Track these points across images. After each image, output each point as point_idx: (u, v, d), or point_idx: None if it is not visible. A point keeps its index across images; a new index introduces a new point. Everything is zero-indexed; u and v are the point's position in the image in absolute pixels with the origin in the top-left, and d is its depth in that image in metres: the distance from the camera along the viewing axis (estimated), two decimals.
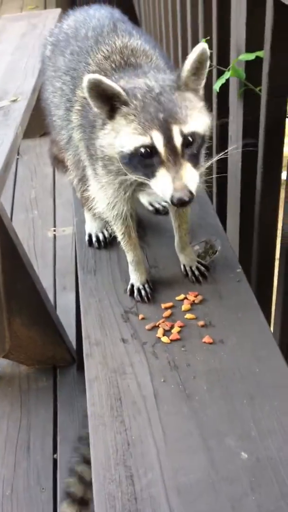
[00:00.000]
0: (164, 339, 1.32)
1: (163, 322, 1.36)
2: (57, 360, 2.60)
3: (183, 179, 1.08)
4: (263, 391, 1.18)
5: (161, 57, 1.38)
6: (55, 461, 2.23)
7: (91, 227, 1.67)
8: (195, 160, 1.13)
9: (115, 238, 1.51)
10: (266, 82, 1.44)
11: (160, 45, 3.09)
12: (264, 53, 1.43)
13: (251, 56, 1.50)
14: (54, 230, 3.55)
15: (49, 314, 2.47)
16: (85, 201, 1.52)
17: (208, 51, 1.15)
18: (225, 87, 1.66)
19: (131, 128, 1.13)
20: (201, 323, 1.34)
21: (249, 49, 1.51)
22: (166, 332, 1.33)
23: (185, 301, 1.41)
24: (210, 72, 1.81)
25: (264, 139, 1.53)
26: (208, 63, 1.17)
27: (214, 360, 1.25)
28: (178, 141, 1.10)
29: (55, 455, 2.25)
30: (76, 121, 1.39)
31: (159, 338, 1.32)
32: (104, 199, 1.36)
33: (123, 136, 1.16)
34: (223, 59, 1.75)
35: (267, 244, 1.70)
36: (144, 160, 1.12)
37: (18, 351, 2.52)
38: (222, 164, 1.93)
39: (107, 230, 1.63)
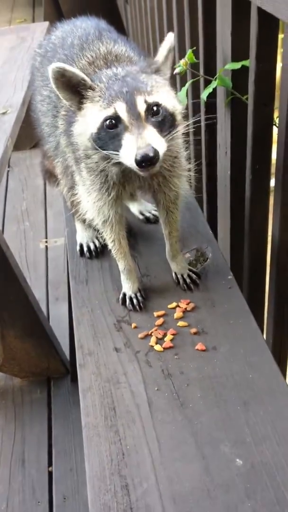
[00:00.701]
0: (157, 347, 1.32)
1: (155, 330, 1.36)
2: (51, 372, 2.59)
3: (146, 138, 1.07)
4: (256, 396, 1.18)
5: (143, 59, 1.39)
6: (50, 474, 2.21)
7: (82, 237, 1.67)
8: (161, 129, 1.12)
9: (106, 247, 1.51)
10: (252, 90, 1.46)
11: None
12: (250, 62, 1.45)
13: (237, 65, 1.51)
14: (46, 241, 3.55)
15: (42, 326, 2.46)
16: (75, 209, 1.53)
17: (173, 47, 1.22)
18: (212, 96, 1.68)
19: (96, 107, 1.14)
20: (193, 330, 1.35)
21: (235, 58, 1.53)
22: (159, 340, 1.33)
23: (177, 309, 1.41)
24: (197, 81, 1.83)
25: (252, 146, 1.54)
26: (172, 53, 1.22)
27: (207, 367, 1.26)
28: (141, 107, 1.10)
29: (50, 468, 2.24)
30: (62, 127, 1.41)
31: (152, 346, 1.32)
32: (90, 203, 1.37)
33: (90, 117, 1.17)
34: (209, 69, 1.77)
35: (257, 251, 1.71)
36: (111, 133, 1.12)
37: (12, 364, 2.50)
38: (212, 172, 1.95)
39: (98, 239, 1.63)
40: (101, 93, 1.16)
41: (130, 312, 1.43)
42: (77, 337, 1.39)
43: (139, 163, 1.06)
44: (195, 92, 1.95)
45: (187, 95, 1.81)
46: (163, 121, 1.13)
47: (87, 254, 1.64)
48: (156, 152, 1.06)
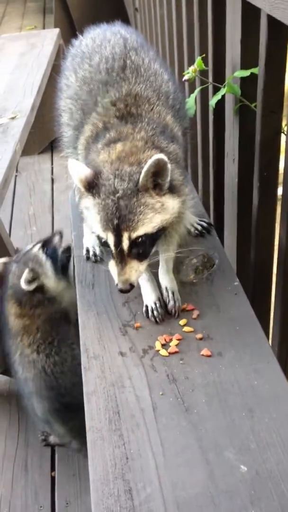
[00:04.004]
0: (163, 352, 1.32)
1: (161, 335, 1.36)
2: None
3: (126, 275, 1.26)
4: (261, 403, 1.18)
5: (164, 98, 1.43)
6: (53, 479, 2.20)
7: (89, 241, 1.67)
8: (142, 256, 1.28)
9: None
10: (261, 98, 1.46)
11: None
12: (259, 70, 1.45)
13: (246, 73, 1.52)
14: None
15: None
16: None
17: (167, 162, 1.21)
18: (221, 103, 1.68)
19: (97, 219, 1.27)
20: (199, 336, 1.35)
21: (244, 66, 1.53)
22: (165, 345, 1.34)
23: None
24: (206, 88, 1.84)
25: (259, 154, 1.54)
26: (168, 171, 1.22)
27: (212, 373, 1.25)
28: (125, 244, 1.25)
29: (53, 473, 2.23)
30: (81, 144, 1.47)
31: (158, 351, 1.32)
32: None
33: (92, 217, 1.29)
34: (219, 76, 1.78)
35: (264, 258, 1.71)
36: (103, 244, 1.30)
37: None
38: (219, 180, 1.95)
39: None
40: (99, 207, 1.25)
41: (136, 316, 1.43)
42: (83, 340, 1.39)
43: (118, 290, 1.28)
44: (204, 99, 1.96)
45: (195, 102, 1.82)
46: (144, 245, 1.27)
47: (93, 258, 1.65)
48: (132, 285, 1.27)
